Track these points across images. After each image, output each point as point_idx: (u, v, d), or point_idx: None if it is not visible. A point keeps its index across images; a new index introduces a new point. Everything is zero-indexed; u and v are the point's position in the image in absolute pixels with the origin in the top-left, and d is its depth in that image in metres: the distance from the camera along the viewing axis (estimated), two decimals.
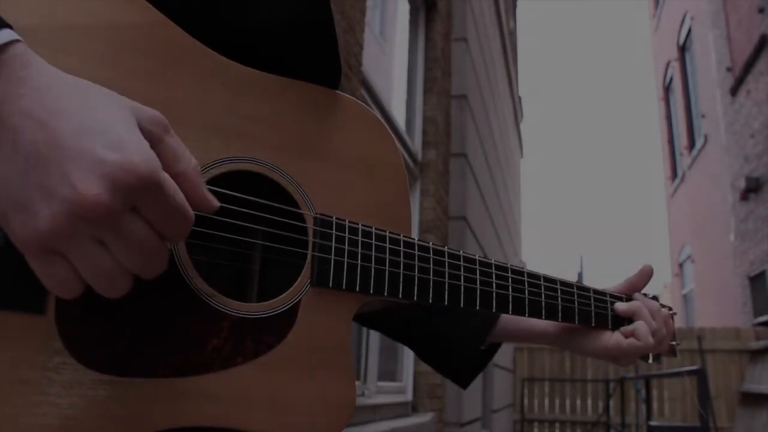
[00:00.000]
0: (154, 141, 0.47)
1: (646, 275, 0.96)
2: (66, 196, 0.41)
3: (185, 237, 0.49)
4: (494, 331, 0.97)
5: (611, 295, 0.93)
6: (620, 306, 0.92)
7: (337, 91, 0.71)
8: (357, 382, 3.00)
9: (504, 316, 0.96)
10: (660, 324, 0.92)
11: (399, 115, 4.76)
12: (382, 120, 0.74)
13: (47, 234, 0.42)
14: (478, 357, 0.99)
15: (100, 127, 0.43)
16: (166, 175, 0.45)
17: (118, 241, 0.44)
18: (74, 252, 0.44)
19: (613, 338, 0.90)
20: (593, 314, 0.89)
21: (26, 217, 0.42)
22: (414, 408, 4.57)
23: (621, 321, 0.91)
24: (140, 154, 0.43)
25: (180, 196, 0.46)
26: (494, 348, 1.01)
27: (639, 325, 0.89)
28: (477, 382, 6.30)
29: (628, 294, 0.95)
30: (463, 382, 1.01)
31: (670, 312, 1.01)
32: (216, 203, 0.51)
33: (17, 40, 0.44)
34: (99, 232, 0.43)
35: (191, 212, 0.48)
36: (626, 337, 0.89)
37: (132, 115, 0.46)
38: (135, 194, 0.43)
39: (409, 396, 4.53)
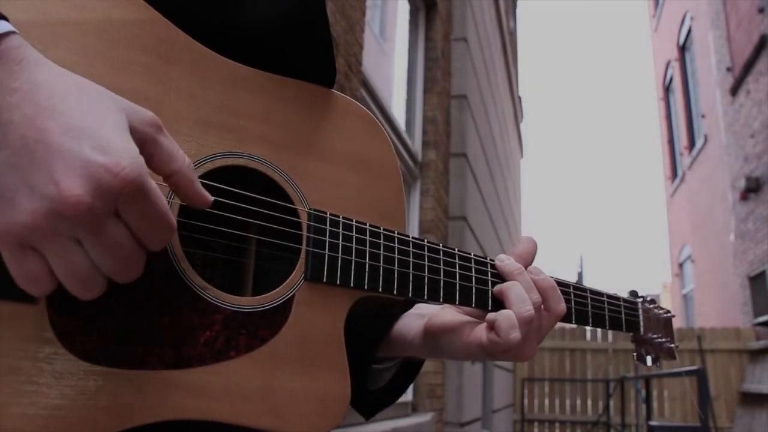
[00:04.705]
0: (149, 142, 0.47)
1: (526, 244, 0.77)
2: (48, 194, 0.42)
3: (165, 245, 0.49)
4: (384, 344, 0.79)
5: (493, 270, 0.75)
6: (498, 286, 0.74)
7: (332, 90, 0.71)
8: None
9: (399, 323, 0.80)
10: (528, 311, 0.69)
11: (399, 115, 4.76)
12: (376, 118, 0.74)
13: (25, 228, 0.42)
14: (369, 377, 0.80)
15: (90, 127, 0.43)
16: (151, 182, 0.45)
17: (96, 244, 0.44)
18: (50, 249, 0.44)
19: (473, 334, 0.71)
20: (474, 291, 0.73)
21: (6, 209, 0.42)
22: (414, 408, 4.57)
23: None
24: (127, 158, 0.43)
25: (163, 204, 0.46)
26: (408, 371, 0.82)
27: (500, 316, 0.68)
28: (477, 382, 6.30)
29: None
30: (364, 411, 0.81)
31: (667, 314, 0.99)
32: (210, 198, 0.52)
33: (13, 32, 0.44)
34: (77, 232, 0.43)
35: (173, 221, 0.48)
36: (490, 329, 0.69)
37: (125, 116, 0.46)
38: (118, 197, 0.43)
39: (409, 396, 4.53)
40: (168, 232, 0.48)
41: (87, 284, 0.45)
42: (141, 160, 0.45)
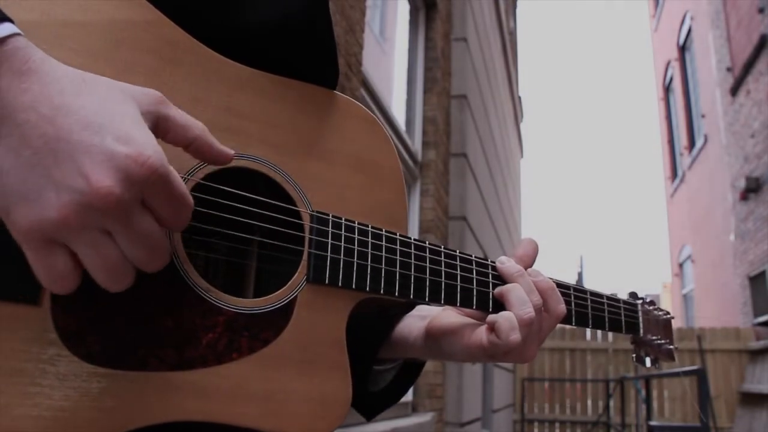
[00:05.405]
0: (161, 119, 0.49)
1: (527, 246, 0.78)
2: (77, 187, 0.42)
3: (186, 225, 0.50)
4: (385, 345, 0.79)
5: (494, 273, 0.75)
6: (498, 288, 0.74)
7: (335, 92, 0.71)
8: None
9: (400, 325, 0.80)
10: (528, 313, 0.69)
11: (399, 115, 4.76)
12: (379, 120, 0.75)
13: (54, 224, 0.42)
14: (371, 378, 0.80)
15: (107, 121, 0.44)
16: (171, 168, 0.46)
17: (126, 233, 0.45)
18: (80, 243, 0.44)
19: (474, 335, 0.71)
20: (475, 293, 0.73)
21: (32, 208, 0.42)
22: (414, 408, 4.57)
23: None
24: (150, 147, 0.44)
25: (183, 187, 0.48)
26: (409, 372, 0.82)
27: (500, 318, 0.68)
28: (477, 382, 6.31)
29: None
30: (365, 412, 0.81)
31: (666, 316, 0.99)
32: (231, 152, 0.54)
33: (18, 34, 0.44)
34: (108, 224, 0.44)
35: (191, 200, 0.49)
36: (491, 331, 0.70)
37: (136, 105, 0.47)
38: (144, 186, 0.44)
39: (409, 396, 4.53)
40: (188, 211, 0.49)
41: (118, 275, 0.46)
42: (160, 148, 0.46)
